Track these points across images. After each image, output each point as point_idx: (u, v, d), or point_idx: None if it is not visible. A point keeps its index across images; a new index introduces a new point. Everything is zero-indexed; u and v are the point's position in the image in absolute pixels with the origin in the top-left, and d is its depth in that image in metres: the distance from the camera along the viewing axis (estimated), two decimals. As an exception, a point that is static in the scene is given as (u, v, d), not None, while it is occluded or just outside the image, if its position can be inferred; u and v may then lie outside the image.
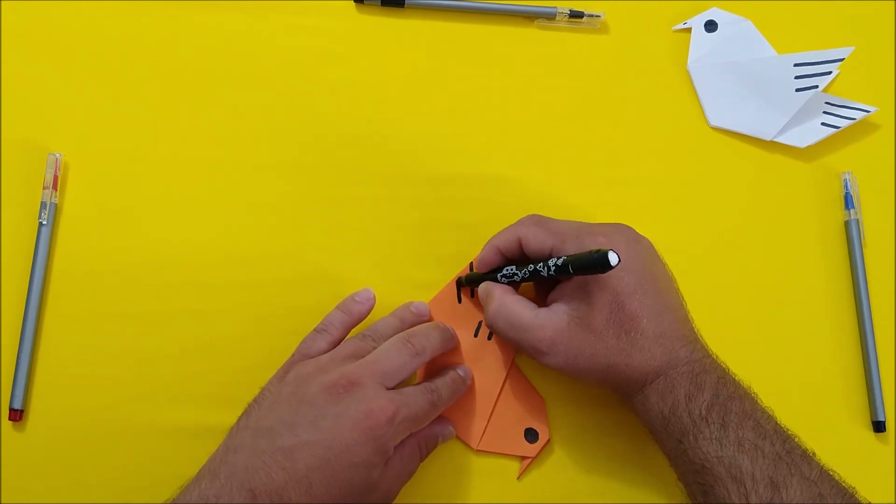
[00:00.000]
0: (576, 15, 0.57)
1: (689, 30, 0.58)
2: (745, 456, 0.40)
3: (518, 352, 0.51)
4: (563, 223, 0.46)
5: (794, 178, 0.56)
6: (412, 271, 0.52)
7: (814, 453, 0.41)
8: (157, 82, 0.54)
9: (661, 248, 0.47)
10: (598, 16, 0.57)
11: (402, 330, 0.47)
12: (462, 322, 0.51)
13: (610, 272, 0.41)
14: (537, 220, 0.47)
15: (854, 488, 0.41)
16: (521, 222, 0.48)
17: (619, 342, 0.43)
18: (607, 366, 0.43)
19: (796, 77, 0.56)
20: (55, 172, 0.51)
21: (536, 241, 0.46)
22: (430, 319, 0.50)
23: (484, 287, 0.48)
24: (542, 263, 0.44)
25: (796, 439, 0.42)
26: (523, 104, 0.56)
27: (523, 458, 0.49)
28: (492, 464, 0.50)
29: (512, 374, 0.50)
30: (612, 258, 0.39)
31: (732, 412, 0.41)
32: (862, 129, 0.57)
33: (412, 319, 0.49)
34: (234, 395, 0.46)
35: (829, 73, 0.56)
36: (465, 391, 0.49)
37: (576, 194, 0.54)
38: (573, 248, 0.44)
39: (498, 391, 0.50)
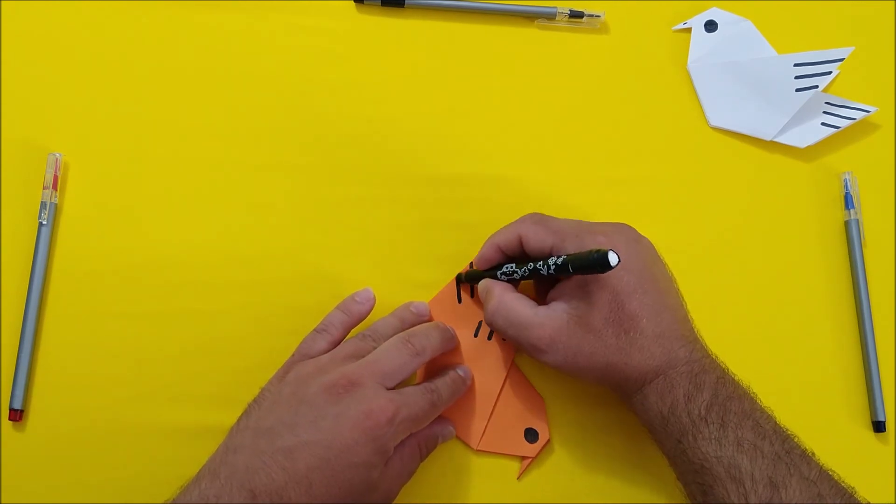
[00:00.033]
0: (576, 15, 0.57)
1: (689, 30, 0.58)
2: (744, 456, 0.40)
3: (518, 350, 0.51)
4: (563, 222, 0.46)
5: (794, 178, 0.56)
6: (412, 271, 0.52)
7: (813, 453, 0.41)
8: (157, 82, 0.54)
9: (661, 248, 0.47)
10: (598, 16, 0.57)
11: (402, 330, 0.47)
12: (462, 322, 0.51)
13: (610, 271, 0.41)
14: (538, 219, 0.47)
15: (853, 488, 0.41)
16: (521, 220, 0.48)
17: (618, 341, 0.43)
18: (606, 365, 0.43)
19: (796, 77, 0.56)
20: (55, 172, 0.51)
21: (537, 239, 0.46)
22: (430, 319, 0.50)
23: (484, 284, 0.48)
24: (541, 262, 0.44)
25: (795, 439, 0.42)
26: (523, 104, 0.56)
27: (523, 457, 0.49)
28: (492, 464, 0.50)
29: (512, 374, 0.50)
30: (612, 258, 0.39)
31: (732, 412, 0.41)
32: (862, 129, 0.57)
33: (412, 319, 0.49)
34: (234, 395, 0.46)
35: (829, 73, 0.56)
36: (465, 391, 0.49)
37: (576, 194, 0.54)
38: (573, 246, 0.44)
39: (498, 391, 0.50)
